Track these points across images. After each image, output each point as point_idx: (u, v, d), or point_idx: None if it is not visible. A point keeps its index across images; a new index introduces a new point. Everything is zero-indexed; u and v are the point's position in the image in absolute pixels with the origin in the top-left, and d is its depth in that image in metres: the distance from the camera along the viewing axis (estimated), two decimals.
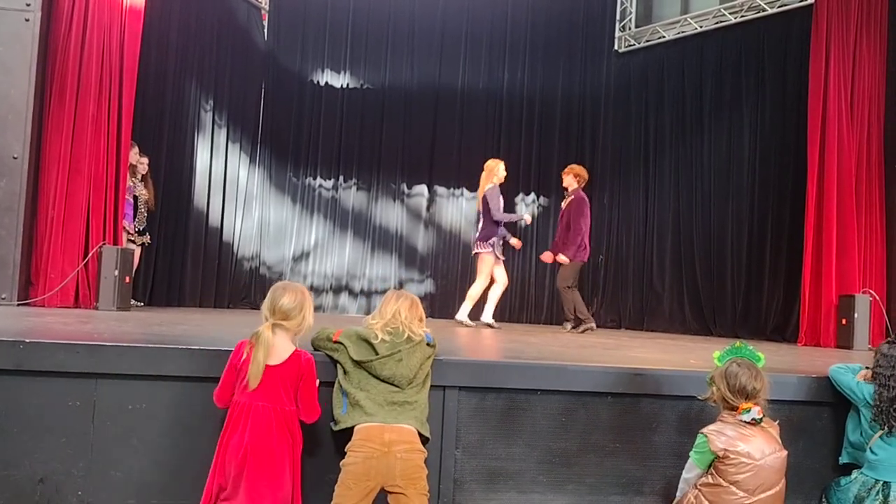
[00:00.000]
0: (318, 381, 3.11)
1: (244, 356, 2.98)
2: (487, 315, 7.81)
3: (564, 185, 8.04)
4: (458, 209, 11.18)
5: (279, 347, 3.00)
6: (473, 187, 11.05)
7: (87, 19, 6.68)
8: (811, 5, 8.21)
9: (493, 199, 7.66)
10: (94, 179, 6.68)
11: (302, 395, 3.03)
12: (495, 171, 7.81)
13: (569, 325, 7.82)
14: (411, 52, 11.12)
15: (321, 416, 3.11)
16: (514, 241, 7.91)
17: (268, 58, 10.77)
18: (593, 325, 7.80)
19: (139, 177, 7.80)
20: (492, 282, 7.79)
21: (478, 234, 7.84)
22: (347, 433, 3.05)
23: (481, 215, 7.83)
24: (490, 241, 7.62)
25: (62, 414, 3.17)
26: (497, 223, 7.64)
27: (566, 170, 8.04)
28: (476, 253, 7.83)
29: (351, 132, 11.02)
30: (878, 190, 7.74)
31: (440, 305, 10.77)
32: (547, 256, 8.12)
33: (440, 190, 11.18)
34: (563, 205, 8.06)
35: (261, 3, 10.77)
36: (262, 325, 3.01)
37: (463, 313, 7.75)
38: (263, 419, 2.91)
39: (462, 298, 10.80)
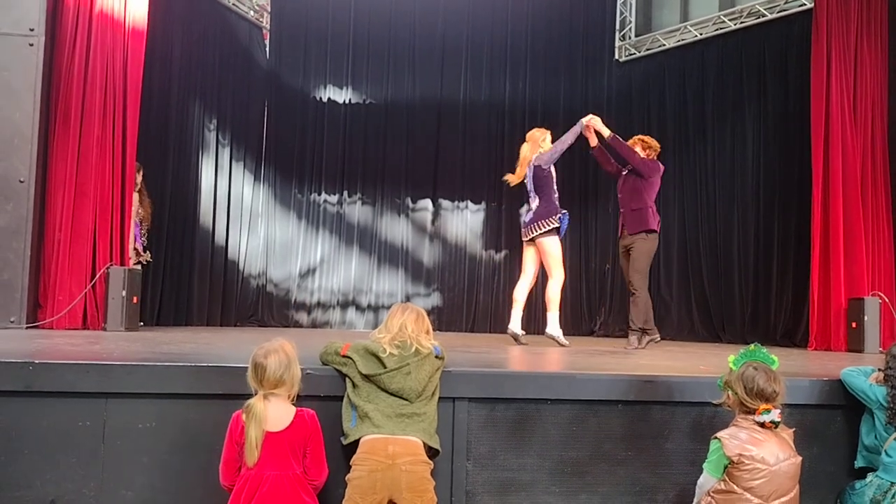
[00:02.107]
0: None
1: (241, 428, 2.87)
2: (517, 323, 6.64)
3: None
4: (464, 222, 11.18)
5: (279, 414, 2.90)
6: (478, 199, 11.13)
7: (91, 43, 6.72)
8: (811, 10, 8.24)
9: (546, 154, 6.61)
10: (100, 201, 6.70)
11: (311, 454, 2.95)
12: (540, 142, 6.79)
13: (635, 339, 6.46)
14: (413, 66, 11.17)
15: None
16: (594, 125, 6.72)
17: (270, 76, 10.83)
18: (658, 336, 6.70)
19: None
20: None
21: (531, 214, 6.62)
22: (356, 447, 3.04)
23: (533, 192, 6.67)
24: (552, 220, 6.46)
25: (72, 434, 3.17)
26: (551, 199, 6.54)
27: (631, 141, 6.90)
28: (532, 238, 6.55)
29: (354, 147, 11.06)
30: (884, 191, 7.72)
31: (447, 318, 10.77)
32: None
33: (445, 203, 11.19)
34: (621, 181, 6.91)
35: (262, 21, 10.84)
36: (254, 398, 2.89)
37: (554, 326, 6.53)
38: (276, 489, 2.83)
39: (470, 311, 10.96)
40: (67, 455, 3.16)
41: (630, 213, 6.69)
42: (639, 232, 6.58)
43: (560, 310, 6.63)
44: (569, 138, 6.70)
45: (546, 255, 6.52)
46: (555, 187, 6.67)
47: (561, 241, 6.60)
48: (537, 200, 6.63)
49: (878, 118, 7.75)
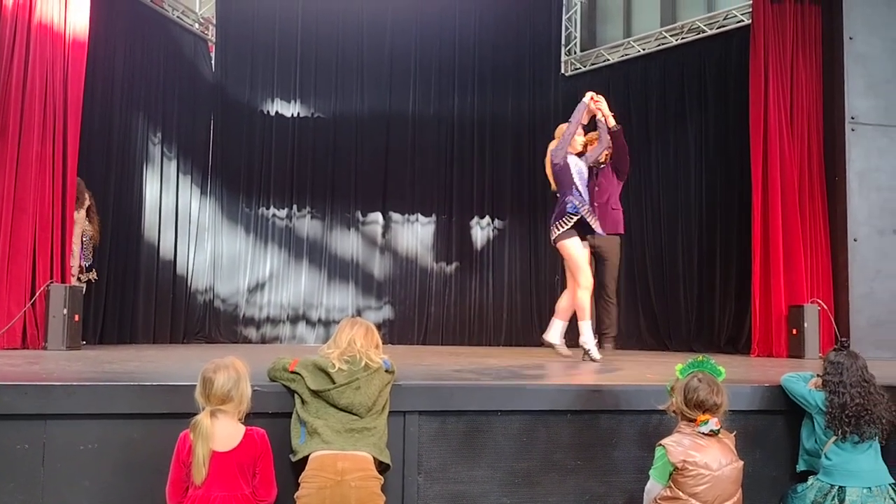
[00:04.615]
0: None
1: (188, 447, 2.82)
2: (556, 335, 6.05)
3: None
4: (414, 235, 11.17)
5: (227, 433, 2.86)
6: (428, 212, 11.15)
7: (29, 55, 6.57)
8: (748, 25, 8.50)
9: (555, 147, 6.03)
10: (39, 217, 6.54)
11: (260, 474, 2.92)
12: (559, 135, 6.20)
13: (609, 343, 6.35)
14: (361, 79, 11.15)
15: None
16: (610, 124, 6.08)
17: (216, 89, 10.69)
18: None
19: (83, 212, 7.67)
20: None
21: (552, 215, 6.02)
22: (306, 463, 3.01)
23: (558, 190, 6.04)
24: (563, 221, 5.76)
25: (10, 458, 3.07)
26: (566, 195, 5.85)
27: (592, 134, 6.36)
28: (554, 242, 5.88)
29: (303, 161, 10.98)
30: (821, 200, 7.97)
31: (399, 332, 10.74)
32: None
33: (395, 216, 11.16)
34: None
35: (207, 34, 10.72)
36: (200, 414, 2.85)
37: (555, 334, 5.97)
38: None
39: (422, 324, 10.94)
40: (5, 480, 3.06)
41: (611, 212, 6.31)
42: (613, 234, 6.31)
43: (567, 319, 6.02)
44: (572, 124, 6.05)
45: (566, 260, 5.87)
46: (575, 181, 5.93)
47: (577, 233, 5.81)
48: (557, 197, 6.00)
49: (813, 130, 8.00)
